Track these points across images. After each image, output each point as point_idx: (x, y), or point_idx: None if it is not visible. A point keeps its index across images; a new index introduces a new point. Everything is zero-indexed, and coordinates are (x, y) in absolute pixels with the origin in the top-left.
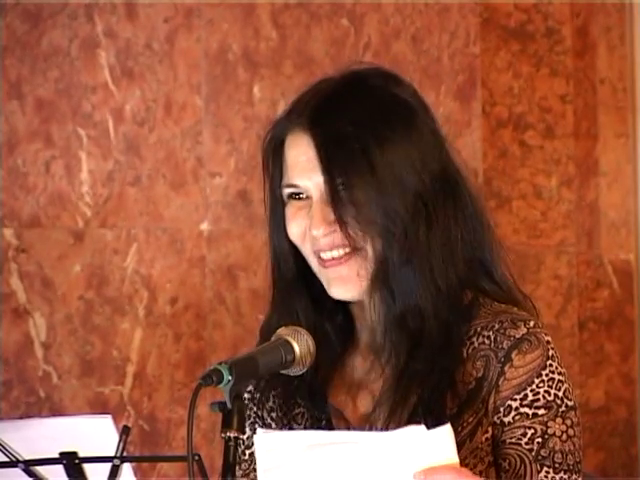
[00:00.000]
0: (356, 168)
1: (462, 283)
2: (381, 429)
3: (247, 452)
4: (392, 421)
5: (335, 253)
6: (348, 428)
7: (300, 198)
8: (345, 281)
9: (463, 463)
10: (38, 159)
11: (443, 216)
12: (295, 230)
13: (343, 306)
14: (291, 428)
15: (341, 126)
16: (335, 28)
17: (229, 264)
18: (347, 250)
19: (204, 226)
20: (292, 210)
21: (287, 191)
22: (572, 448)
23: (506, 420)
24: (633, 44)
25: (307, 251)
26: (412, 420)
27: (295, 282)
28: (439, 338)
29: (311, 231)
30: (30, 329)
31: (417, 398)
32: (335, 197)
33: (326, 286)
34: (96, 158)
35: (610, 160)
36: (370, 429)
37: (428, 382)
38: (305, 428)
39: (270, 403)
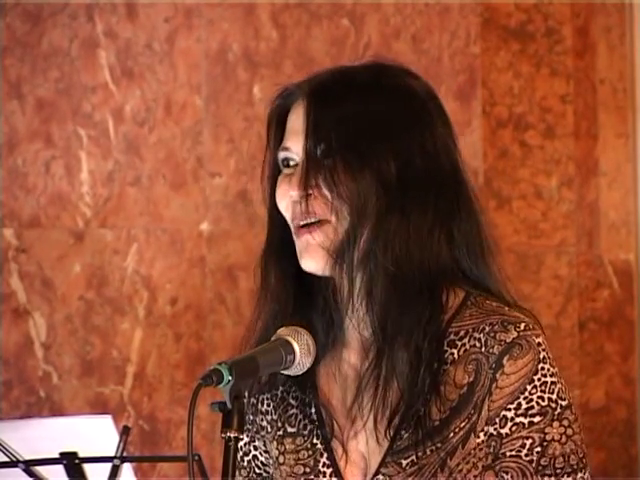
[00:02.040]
0: (341, 137)
1: (438, 280)
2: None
3: (245, 459)
4: (376, 420)
5: (308, 220)
6: (333, 423)
7: (291, 165)
8: (312, 252)
9: (456, 470)
10: (38, 159)
11: (430, 213)
12: (280, 196)
13: (332, 296)
14: (285, 430)
15: (341, 99)
16: (335, 28)
17: (229, 264)
18: (316, 219)
19: (204, 226)
20: (282, 177)
21: (281, 155)
22: (573, 447)
23: (503, 432)
24: (633, 44)
25: (289, 220)
26: (396, 419)
27: (283, 254)
28: (401, 330)
29: (290, 194)
30: (30, 329)
31: (399, 395)
32: (312, 161)
33: (299, 257)
34: (96, 158)
35: (610, 160)
36: (354, 427)
37: (406, 381)
38: (298, 430)
39: (264, 406)
